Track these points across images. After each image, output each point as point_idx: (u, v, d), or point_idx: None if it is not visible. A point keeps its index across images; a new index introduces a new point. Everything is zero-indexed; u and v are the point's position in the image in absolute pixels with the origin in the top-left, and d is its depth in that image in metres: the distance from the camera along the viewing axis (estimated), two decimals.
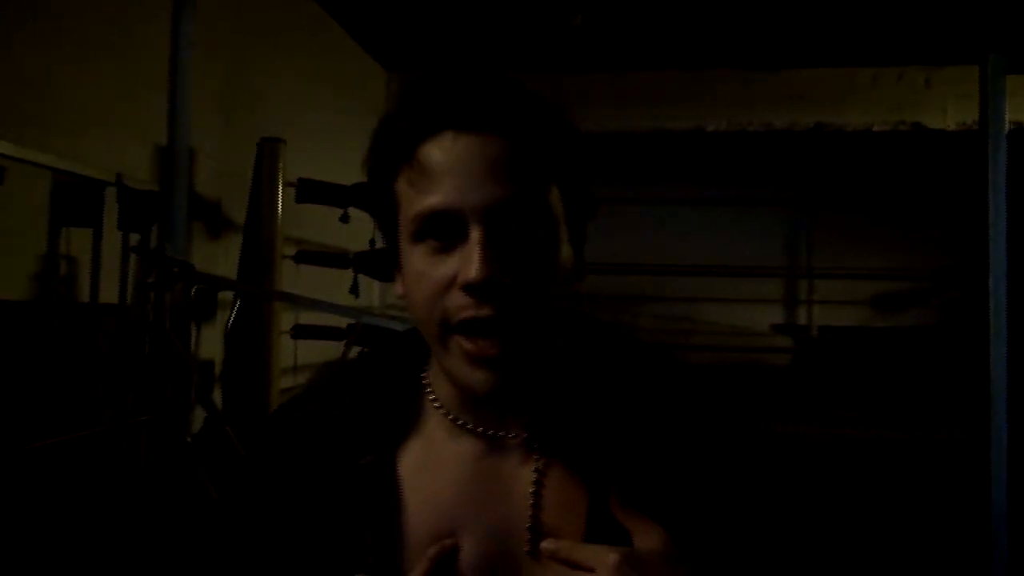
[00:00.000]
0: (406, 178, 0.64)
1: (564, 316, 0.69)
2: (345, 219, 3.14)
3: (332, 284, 3.35)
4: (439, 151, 0.62)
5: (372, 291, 4.17)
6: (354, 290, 3.11)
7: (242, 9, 3.20)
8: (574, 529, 0.64)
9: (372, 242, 3.37)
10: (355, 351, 2.89)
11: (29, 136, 1.85)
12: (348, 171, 4.13)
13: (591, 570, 0.59)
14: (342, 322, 3.24)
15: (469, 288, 0.60)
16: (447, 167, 0.61)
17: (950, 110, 4.65)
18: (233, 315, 2.50)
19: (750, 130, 4.80)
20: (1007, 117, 1.47)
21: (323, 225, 3.41)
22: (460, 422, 0.69)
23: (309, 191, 2.99)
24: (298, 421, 0.74)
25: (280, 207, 2.92)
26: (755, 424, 0.72)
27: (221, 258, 3.03)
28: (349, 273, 3.27)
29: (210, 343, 2.82)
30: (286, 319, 3.19)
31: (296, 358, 3.52)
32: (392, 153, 0.65)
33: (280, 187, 2.92)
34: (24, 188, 1.84)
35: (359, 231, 3.49)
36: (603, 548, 0.60)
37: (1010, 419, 1.47)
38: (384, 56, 4.76)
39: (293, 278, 3.16)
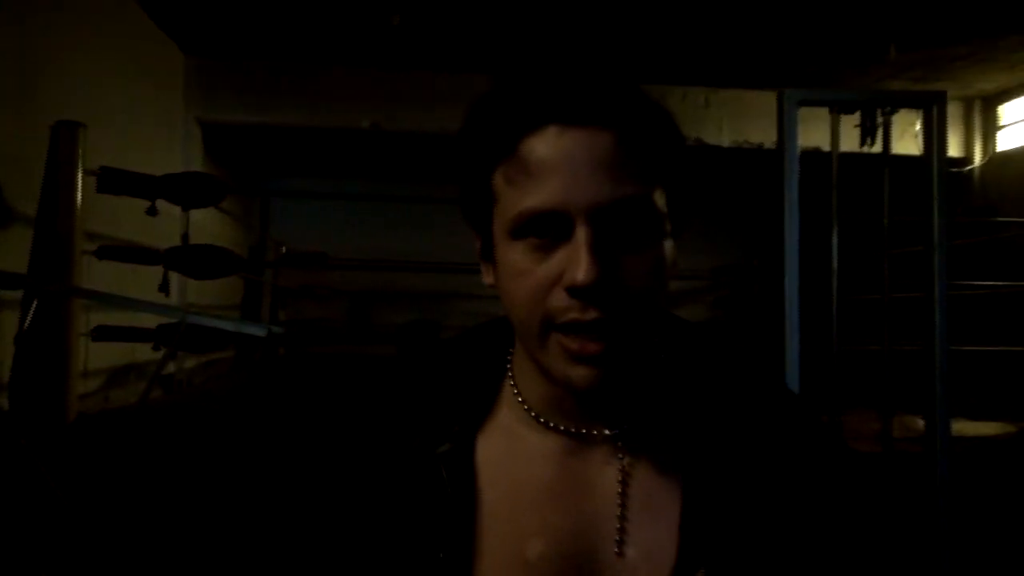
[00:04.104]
0: (505, 173, 0.60)
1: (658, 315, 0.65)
2: (153, 212, 2.93)
3: (130, 281, 3.11)
4: (543, 146, 0.58)
5: (177, 288, 3.91)
6: (164, 288, 2.92)
7: None
8: (664, 533, 0.62)
9: (185, 237, 3.17)
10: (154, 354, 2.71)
11: None
12: (150, 159, 3.85)
13: None
14: (147, 322, 3.02)
15: (575, 291, 0.57)
16: (552, 164, 0.58)
17: (725, 128, 5.22)
18: (31, 316, 2.25)
19: None
20: (799, 143, 1.73)
21: (123, 218, 3.15)
22: (543, 420, 0.66)
23: (113, 181, 2.76)
24: (368, 409, 0.70)
25: (79, 197, 2.67)
26: (849, 450, 0.70)
27: (3, 252, 2.71)
28: (149, 270, 3.05)
29: None
30: (81, 320, 2.91)
31: (87, 361, 3.24)
32: (490, 146, 0.61)
33: (79, 176, 2.66)
34: None
35: (166, 225, 3.28)
36: None
37: None
38: (182, 38, 4.47)
39: (85, 275, 2.90)
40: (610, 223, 0.58)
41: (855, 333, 2.38)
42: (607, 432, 0.65)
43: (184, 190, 2.93)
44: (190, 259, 2.87)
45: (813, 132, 2.89)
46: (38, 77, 2.92)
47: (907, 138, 4.17)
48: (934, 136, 1.90)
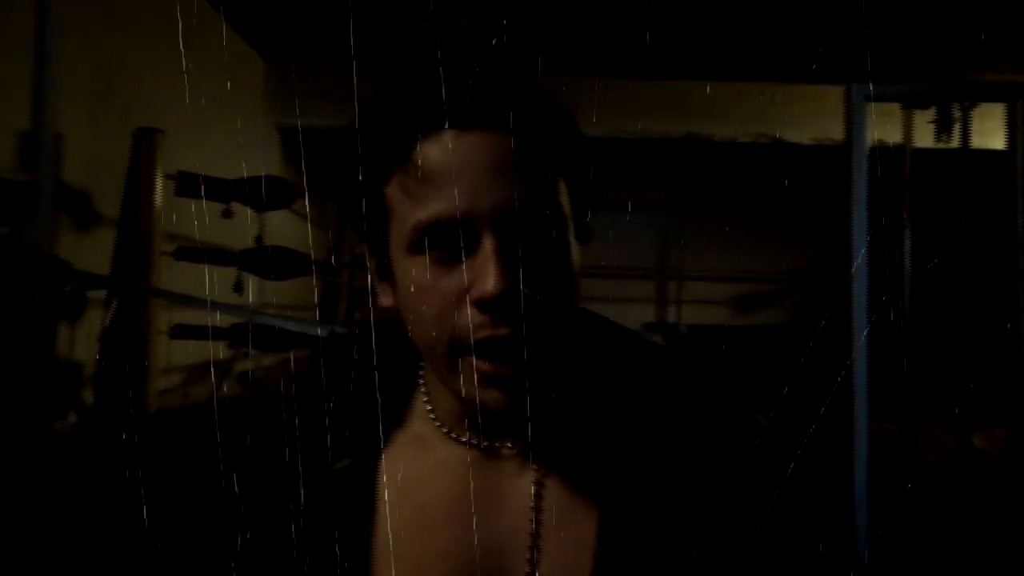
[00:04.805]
0: (400, 183, 0.57)
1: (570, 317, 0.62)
2: (228, 215, 3.04)
3: (214, 281, 3.22)
4: (439, 153, 0.55)
5: (256, 289, 4.04)
6: (238, 288, 3.02)
7: None
8: (582, 545, 0.59)
9: (259, 239, 3.28)
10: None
11: None
12: (228, 164, 4.00)
13: None
14: (222, 321, 3.13)
15: (484, 304, 0.54)
16: (449, 171, 0.54)
17: (805, 125, 5.04)
18: (111, 314, 2.37)
19: (624, 137, 4.99)
20: (868, 139, 1.65)
21: (203, 220, 3.28)
22: (453, 434, 0.64)
23: (190, 185, 2.88)
24: (270, 423, 0.67)
25: (158, 200, 2.79)
26: (780, 442, 0.67)
27: (90, 253, 2.86)
28: (225, 271, 3.16)
29: (75, 343, 2.66)
30: (161, 319, 3.04)
31: (169, 358, 3.38)
32: (382, 154, 0.58)
33: (159, 180, 2.79)
34: None
35: (241, 227, 3.39)
36: None
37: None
38: (262, 46, 4.63)
39: (167, 275, 3.02)
40: (515, 229, 0.55)
41: (936, 339, 2.26)
42: (520, 444, 0.63)
43: (257, 193, 3.02)
44: (262, 260, 2.96)
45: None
46: (126, 88, 3.08)
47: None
48: (1019, 131, 1.78)
